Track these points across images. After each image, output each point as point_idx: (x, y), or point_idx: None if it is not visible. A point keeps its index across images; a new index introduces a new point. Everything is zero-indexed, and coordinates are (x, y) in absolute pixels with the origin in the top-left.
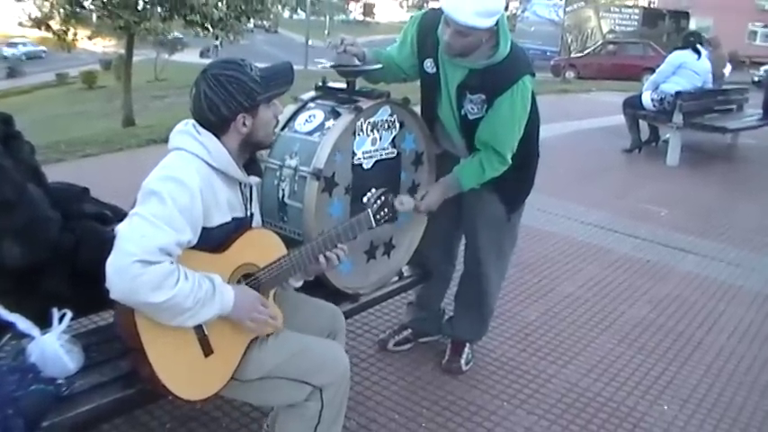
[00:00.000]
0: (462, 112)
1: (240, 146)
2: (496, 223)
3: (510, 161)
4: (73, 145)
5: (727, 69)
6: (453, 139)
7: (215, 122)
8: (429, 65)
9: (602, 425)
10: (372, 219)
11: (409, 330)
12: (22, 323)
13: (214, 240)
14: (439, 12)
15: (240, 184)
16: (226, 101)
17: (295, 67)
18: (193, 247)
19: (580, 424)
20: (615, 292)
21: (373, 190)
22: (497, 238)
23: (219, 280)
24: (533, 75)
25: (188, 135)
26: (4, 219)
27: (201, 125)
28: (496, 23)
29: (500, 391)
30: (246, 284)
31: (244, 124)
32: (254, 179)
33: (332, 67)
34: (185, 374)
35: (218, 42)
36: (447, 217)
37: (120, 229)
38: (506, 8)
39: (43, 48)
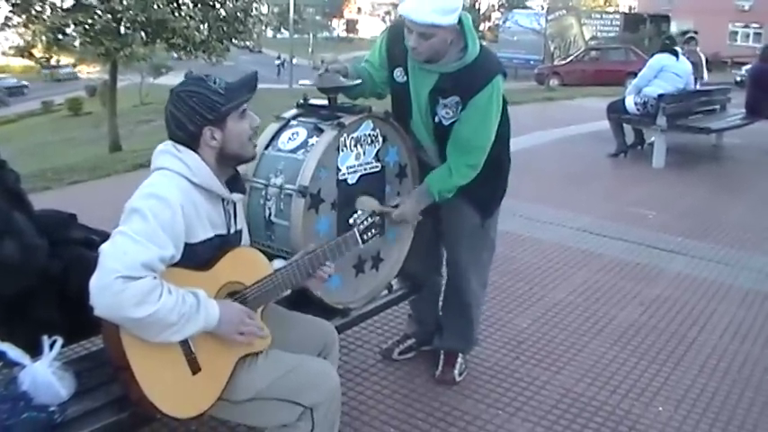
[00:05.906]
0: (436, 119)
1: (217, 160)
2: (473, 233)
3: (481, 165)
4: (60, 172)
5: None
6: (426, 148)
7: (185, 139)
8: (399, 74)
9: (598, 429)
10: (359, 239)
11: (413, 340)
12: (13, 351)
13: (198, 257)
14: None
15: (223, 200)
16: (189, 116)
17: (280, 86)
18: (177, 265)
19: (576, 429)
20: (606, 296)
21: (360, 211)
22: (475, 249)
23: (204, 294)
24: (505, 74)
25: (168, 154)
26: None
27: (178, 143)
28: (460, 22)
29: (495, 399)
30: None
31: (213, 137)
32: (238, 196)
33: (317, 87)
34: (173, 391)
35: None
36: (428, 230)
37: (104, 248)
38: (489, 19)
39: (26, 83)
